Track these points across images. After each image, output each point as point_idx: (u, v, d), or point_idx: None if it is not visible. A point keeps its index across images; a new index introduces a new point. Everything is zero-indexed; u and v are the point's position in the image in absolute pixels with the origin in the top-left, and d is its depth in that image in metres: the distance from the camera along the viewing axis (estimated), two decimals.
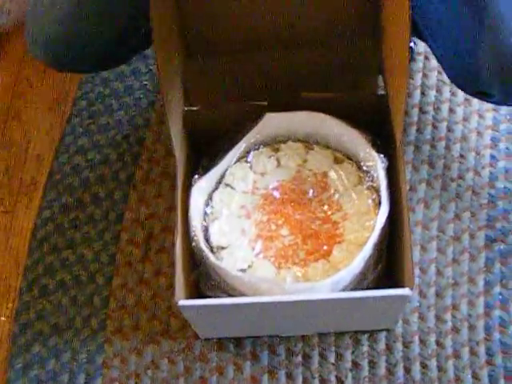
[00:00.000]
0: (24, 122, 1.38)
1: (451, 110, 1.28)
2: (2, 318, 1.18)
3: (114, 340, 1.13)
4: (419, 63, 1.32)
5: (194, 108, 1.08)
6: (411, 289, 0.91)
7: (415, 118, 1.27)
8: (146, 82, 1.37)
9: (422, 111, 1.28)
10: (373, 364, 1.07)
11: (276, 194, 1.06)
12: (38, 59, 1.10)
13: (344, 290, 0.96)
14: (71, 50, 1.06)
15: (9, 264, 1.23)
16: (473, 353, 1.07)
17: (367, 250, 0.95)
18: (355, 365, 1.07)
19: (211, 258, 0.97)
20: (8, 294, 1.21)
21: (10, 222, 1.28)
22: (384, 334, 1.09)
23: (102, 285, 1.18)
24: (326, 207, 1.04)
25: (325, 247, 1.01)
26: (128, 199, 1.25)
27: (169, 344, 1.11)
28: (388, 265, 1.04)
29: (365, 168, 1.05)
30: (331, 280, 0.93)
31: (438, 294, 1.11)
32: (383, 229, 0.97)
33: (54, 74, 1.41)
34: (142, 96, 1.36)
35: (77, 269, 1.20)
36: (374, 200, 1.02)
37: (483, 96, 1.05)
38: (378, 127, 1.06)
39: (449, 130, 1.26)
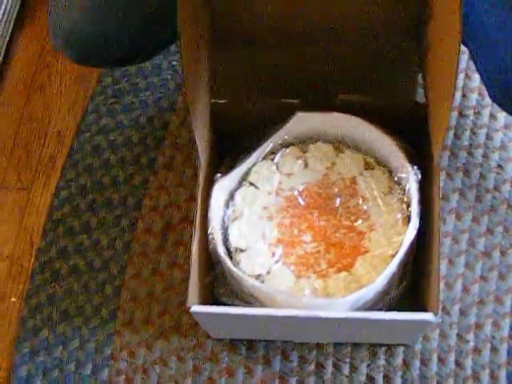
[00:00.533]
0: (47, 95, 1.35)
1: (492, 116, 1.22)
2: (13, 299, 1.16)
3: (124, 332, 1.10)
4: (462, 63, 1.26)
5: (221, 101, 1.03)
6: (435, 315, 0.86)
7: (453, 122, 1.21)
8: (174, 63, 1.32)
9: (461, 115, 1.22)
10: (388, 379, 1.03)
11: (301, 197, 1.02)
12: (57, 51, 1.06)
13: (364, 306, 0.92)
14: (91, 45, 1.02)
15: (22, 243, 1.21)
16: (493, 376, 1.03)
17: (392, 268, 0.90)
18: (370, 379, 1.04)
19: (228, 263, 0.94)
20: (20, 275, 1.18)
21: (25, 199, 1.25)
22: (402, 349, 1.05)
23: (115, 273, 1.15)
24: (352, 216, 1.00)
25: (348, 259, 0.97)
26: (148, 185, 1.21)
27: (179, 341, 1.08)
28: (413, 278, 0.99)
29: (396, 178, 1.00)
30: (351, 298, 0.89)
31: (462, 312, 1.07)
32: (411, 246, 0.92)
33: None
34: (169, 77, 1.31)
35: (91, 254, 1.17)
36: (403, 213, 0.97)
37: None
38: (414, 136, 1.00)
39: (488, 137, 1.20)
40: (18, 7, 1.42)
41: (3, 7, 1.36)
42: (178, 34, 0.81)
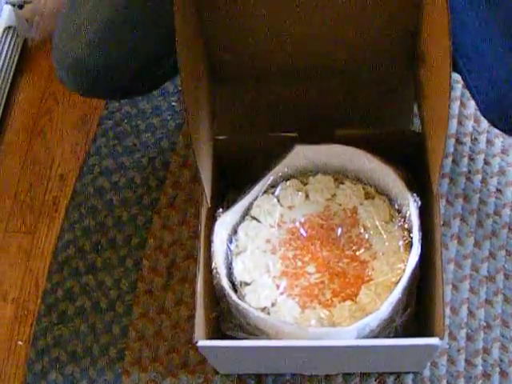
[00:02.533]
0: (49, 139, 1.36)
1: (489, 142, 1.23)
2: (20, 343, 1.16)
3: (132, 371, 1.10)
4: (457, 91, 1.28)
5: (222, 137, 1.04)
6: (441, 338, 0.87)
7: (451, 149, 1.23)
8: (174, 103, 1.34)
9: (458, 142, 1.23)
10: None
11: (303, 229, 1.03)
12: (64, 84, 1.08)
13: (370, 334, 0.93)
14: (97, 77, 1.04)
15: (28, 287, 1.21)
16: None
17: (395, 294, 0.91)
18: None
19: (233, 296, 0.94)
20: (26, 318, 1.18)
21: (30, 242, 1.26)
22: (411, 376, 1.04)
23: (122, 313, 1.15)
24: (354, 245, 1.00)
25: (352, 288, 0.97)
26: (151, 225, 1.22)
27: (187, 378, 1.08)
28: (418, 304, 0.99)
29: (396, 206, 1.01)
30: (357, 326, 0.90)
31: (468, 337, 1.07)
32: (413, 272, 0.93)
33: None
34: (169, 118, 1.33)
35: (97, 295, 1.17)
36: (404, 240, 0.98)
37: None
38: (412, 164, 1.01)
39: (486, 162, 1.21)
40: (18, 52, 1.45)
41: (4, 53, 1.38)
42: (178, 70, 0.83)
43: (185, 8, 0.85)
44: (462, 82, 1.25)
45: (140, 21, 1.01)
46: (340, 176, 1.06)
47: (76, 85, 1.06)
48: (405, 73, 1.02)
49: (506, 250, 1.13)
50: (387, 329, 0.94)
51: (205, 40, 0.97)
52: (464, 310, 1.09)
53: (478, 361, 1.05)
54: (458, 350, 1.06)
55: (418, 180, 1.01)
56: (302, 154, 1.04)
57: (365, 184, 1.05)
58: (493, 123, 1.02)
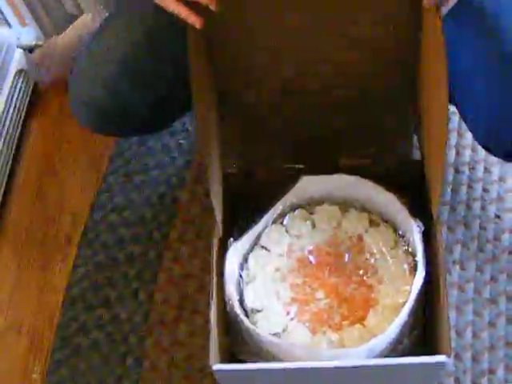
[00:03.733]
0: (60, 178, 1.40)
1: (486, 170, 1.28)
2: (34, 376, 1.19)
3: None
4: (454, 123, 1.33)
5: (231, 170, 1.08)
6: (448, 356, 0.90)
7: (450, 178, 1.27)
8: (181, 141, 1.39)
9: (457, 171, 1.28)
10: None
11: (311, 256, 1.06)
12: (79, 123, 1.12)
13: (379, 355, 0.95)
14: (111, 116, 1.08)
15: (42, 321, 1.24)
16: None
17: (403, 316, 0.94)
18: None
19: (245, 321, 0.97)
20: (41, 352, 1.21)
21: (44, 278, 1.29)
22: None
23: (135, 345, 1.18)
24: (361, 271, 1.04)
25: (360, 311, 1.00)
26: (162, 259, 1.26)
27: None
28: (424, 328, 1.02)
29: (400, 232, 1.04)
30: (366, 347, 0.92)
31: (474, 358, 1.10)
32: (419, 295, 0.96)
33: (90, 132, 1.43)
34: (177, 155, 1.38)
35: (110, 328, 1.20)
36: (409, 264, 1.02)
37: (510, 158, 1.06)
38: (414, 190, 1.05)
39: (484, 190, 1.26)
40: (29, 95, 1.50)
41: (16, 95, 1.43)
42: (192, 105, 0.87)
43: (198, 49, 0.90)
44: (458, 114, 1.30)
45: (153, 61, 1.05)
46: (345, 204, 1.10)
47: (91, 123, 1.10)
48: (405, 106, 1.06)
49: (507, 274, 1.17)
50: (395, 350, 0.96)
51: (214, 75, 1.02)
52: (469, 333, 1.12)
53: (484, 381, 1.08)
54: (464, 372, 1.09)
55: (421, 206, 1.04)
56: (308, 185, 1.08)
57: (369, 212, 1.09)
58: (488, 150, 1.06)
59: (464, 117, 1.07)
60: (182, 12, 0.87)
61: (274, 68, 1.01)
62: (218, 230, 1.01)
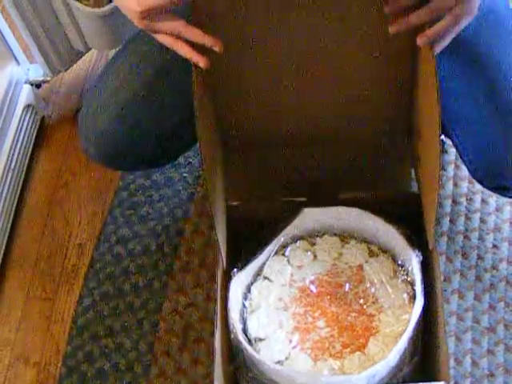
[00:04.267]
0: (67, 210, 1.43)
1: (484, 201, 1.30)
2: None
3: None
4: (451, 155, 1.35)
5: (234, 203, 1.11)
6: (447, 382, 0.92)
7: (448, 209, 1.29)
8: (185, 175, 1.42)
9: (454, 202, 1.30)
10: None
11: (312, 286, 1.08)
12: (89, 157, 1.15)
13: (380, 382, 0.97)
14: (121, 149, 1.10)
15: (49, 351, 1.27)
16: None
17: (402, 343, 0.96)
18: None
19: (249, 349, 0.99)
20: (47, 381, 1.23)
21: (51, 308, 1.31)
22: None
23: (141, 373, 1.20)
24: (361, 300, 1.06)
25: (360, 339, 1.03)
26: (167, 289, 1.28)
27: None
28: (423, 356, 1.05)
29: (399, 262, 1.07)
30: (367, 373, 0.94)
31: None
32: (418, 322, 0.98)
33: (96, 165, 1.45)
34: (181, 188, 1.40)
35: (116, 357, 1.22)
36: (408, 293, 1.04)
37: (502, 191, 1.08)
38: (413, 221, 1.08)
39: (482, 220, 1.28)
40: (36, 129, 1.53)
41: (24, 129, 1.47)
42: (198, 140, 0.90)
43: (202, 87, 0.92)
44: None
45: (162, 95, 1.08)
46: (345, 236, 1.13)
47: (101, 157, 1.13)
48: (402, 141, 1.09)
49: (505, 302, 1.19)
50: (395, 377, 0.99)
51: (217, 115, 1.05)
52: (467, 360, 1.14)
53: None
54: None
55: (419, 237, 1.07)
56: (309, 217, 1.11)
57: (369, 243, 1.11)
58: (481, 183, 1.09)
59: (458, 149, 1.10)
60: (187, 52, 0.88)
61: (274, 108, 1.04)
62: (222, 262, 1.04)
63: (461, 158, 1.10)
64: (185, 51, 0.88)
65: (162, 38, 0.90)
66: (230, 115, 1.05)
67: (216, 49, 0.87)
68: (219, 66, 0.93)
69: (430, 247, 1.02)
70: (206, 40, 0.87)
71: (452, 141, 1.10)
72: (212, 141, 1.01)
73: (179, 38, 0.88)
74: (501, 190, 1.07)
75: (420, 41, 0.86)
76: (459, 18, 0.85)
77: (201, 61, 0.88)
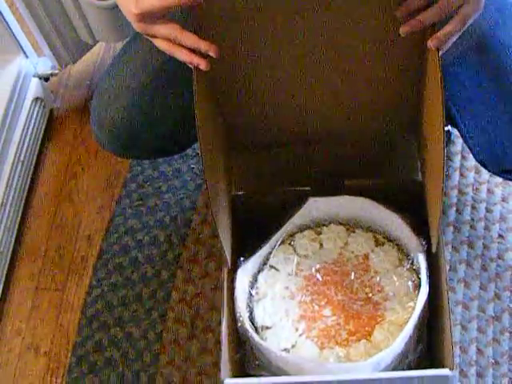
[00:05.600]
0: (75, 202, 1.44)
1: (490, 191, 1.31)
2: None
3: None
4: (458, 145, 1.36)
5: (241, 193, 1.12)
6: (451, 369, 0.93)
7: (454, 200, 1.30)
8: (193, 166, 1.43)
9: (460, 192, 1.31)
10: None
11: (319, 275, 1.09)
12: (101, 146, 1.15)
13: (385, 369, 0.98)
14: (132, 138, 1.11)
15: (59, 340, 1.28)
16: None
17: (408, 331, 0.97)
18: None
19: (256, 337, 1.00)
20: (58, 370, 1.25)
21: (60, 299, 1.33)
22: None
23: (149, 362, 1.21)
24: (367, 289, 1.07)
25: (366, 327, 1.04)
26: (175, 279, 1.29)
27: None
28: (429, 344, 1.05)
29: (405, 250, 1.08)
30: (372, 360, 0.95)
31: (478, 374, 1.13)
32: (423, 310, 0.99)
33: (105, 157, 1.48)
34: (189, 179, 1.41)
35: (125, 346, 1.24)
36: (414, 281, 1.05)
37: (506, 174, 1.08)
38: (418, 209, 1.09)
39: (488, 210, 1.29)
40: (45, 122, 1.55)
41: (32, 122, 1.48)
42: (198, 140, 0.90)
43: (204, 88, 0.93)
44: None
45: (172, 85, 1.09)
46: (351, 225, 1.13)
47: (113, 146, 1.13)
48: (408, 134, 1.10)
49: (511, 291, 1.20)
50: (401, 364, 0.99)
51: (222, 113, 1.05)
52: (473, 349, 1.15)
53: None
54: None
55: (424, 225, 1.08)
56: (315, 206, 1.11)
57: (375, 232, 1.12)
58: (485, 166, 1.09)
59: (462, 134, 1.10)
60: (185, 56, 0.87)
61: (281, 106, 1.04)
62: (227, 263, 1.04)
63: (465, 141, 1.10)
64: (183, 55, 0.88)
65: (159, 43, 0.89)
66: (234, 114, 1.06)
67: (211, 53, 0.86)
68: (223, 68, 0.94)
69: (434, 249, 1.02)
70: (202, 45, 0.86)
71: (456, 125, 1.10)
72: (213, 135, 1.01)
73: (176, 43, 0.88)
74: (505, 173, 1.07)
75: (431, 43, 0.85)
76: (467, 18, 0.85)
77: (201, 63, 0.87)
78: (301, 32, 0.93)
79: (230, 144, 1.12)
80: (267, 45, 0.94)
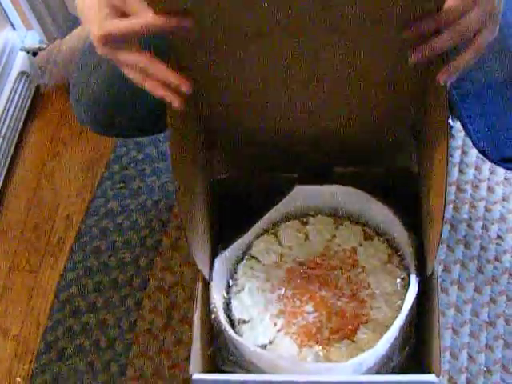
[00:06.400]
0: (56, 182, 1.39)
1: (490, 189, 1.25)
2: (18, 379, 1.17)
3: None
4: (458, 140, 1.30)
5: (223, 176, 1.06)
6: (438, 376, 0.86)
7: (452, 197, 1.24)
8: None
9: (459, 189, 1.25)
10: None
11: (302, 269, 1.03)
12: (81, 123, 1.10)
13: (368, 372, 0.92)
14: (112, 113, 1.06)
15: (29, 324, 1.23)
16: None
17: (393, 331, 0.90)
18: None
19: (230, 331, 0.94)
20: (26, 355, 1.19)
21: (33, 281, 1.27)
22: None
23: (121, 352, 1.16)
24: (353, 285, 1.01)
25: (350, 326, 0.97)
26: (153, 266, 1.24)
27: None
28: (416, 347, 0.99)
29: (395, 246, 1.01)
30: (354, 361, 0.89)
31: (468, 381, 1.07)
32: (411, 310, 0.93)
33: (89, 137, 1.43)
34: None
35: (97, 334, 1.18)
36: (402, 279, 0.99)
37: (505, 163, 1.03)
38: (410, 202, 1.02)
39: (487, 209, 1.23)
40: (31, 98, 1.49)
41: (17, 97, 1.42)
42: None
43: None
44: (463, 131, 1.27)
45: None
46: (339, 216, 1.07)
47: (93, 122, 1.09)
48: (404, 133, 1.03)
49: (507, 296, 1.13)
50: (385, 367, 0.93)
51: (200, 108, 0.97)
52: (464, 355, 1.09)
53: None
54: None
55: (415, 217, 1.01)
56: (301, 195, 1.05)
57: (364, 224, 1.06)
58: (484, 154, 1.03)
59: (462, 120, 1.04)
60: (157, 91, 0.77)
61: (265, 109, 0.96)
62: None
63: (465, 128, 1.04)
64: (154, 89, 0.77)
65: (127, 71, 0.78)
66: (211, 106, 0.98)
67: (183, 89, 0.76)
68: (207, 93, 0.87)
69: (428, 273, 0.95)
70: (173, 78, 0.75)
71: (457, 112, 1.04)
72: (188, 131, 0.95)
73: (147, 74, 0.77)
74: (504, 162, 1.01)
75: (441, 78, 0.77)
76: (483, 46, 0.76)
77: (174, 101, 0.77)
78: (294, 54, 0.84)
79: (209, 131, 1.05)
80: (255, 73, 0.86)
